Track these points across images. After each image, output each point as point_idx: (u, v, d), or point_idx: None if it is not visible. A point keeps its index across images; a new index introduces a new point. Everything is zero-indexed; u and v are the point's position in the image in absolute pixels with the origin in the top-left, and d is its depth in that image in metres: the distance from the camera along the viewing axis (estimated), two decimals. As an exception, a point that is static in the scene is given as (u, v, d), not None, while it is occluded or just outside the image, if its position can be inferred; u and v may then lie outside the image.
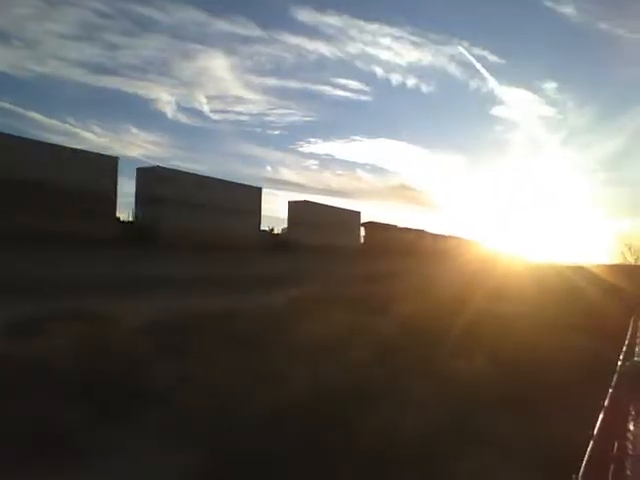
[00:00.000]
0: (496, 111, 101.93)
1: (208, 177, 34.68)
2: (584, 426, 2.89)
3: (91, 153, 25.50)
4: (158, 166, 31.09)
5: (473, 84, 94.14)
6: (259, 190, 39.84)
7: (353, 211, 51.72)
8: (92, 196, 24.21)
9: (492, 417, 4.37)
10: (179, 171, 32.99)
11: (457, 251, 59.42)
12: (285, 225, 43.36)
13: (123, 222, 29.05)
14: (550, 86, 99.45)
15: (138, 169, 30.80)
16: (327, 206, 47.77)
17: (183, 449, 3.68)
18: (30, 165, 21.65)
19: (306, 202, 44.08)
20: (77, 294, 11.90)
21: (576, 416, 3.56)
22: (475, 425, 4.17)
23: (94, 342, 6.10)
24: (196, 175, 34.13)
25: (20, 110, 73.56)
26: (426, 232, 62.57)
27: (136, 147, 73.29)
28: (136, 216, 29.85)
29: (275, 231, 43.54)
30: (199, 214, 31.51)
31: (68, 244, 20.49)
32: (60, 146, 24.25)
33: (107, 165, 25.61)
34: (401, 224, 56.93)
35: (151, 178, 30.00)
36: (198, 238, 30.10)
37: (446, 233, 66.02)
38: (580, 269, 40.95)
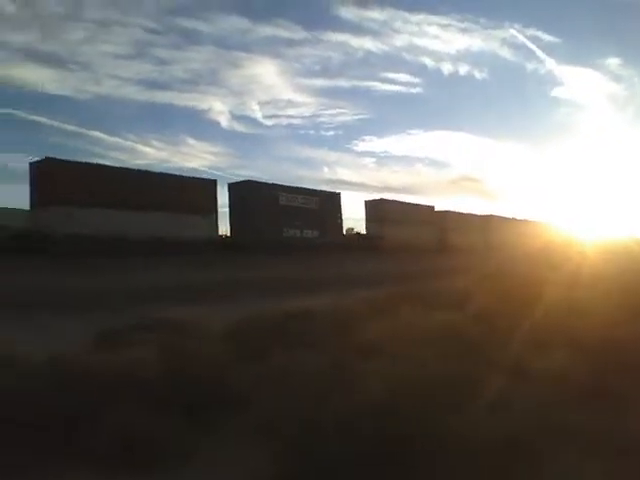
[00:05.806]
0: (557, 92, 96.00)
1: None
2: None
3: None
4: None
5: (530, 66, 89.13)
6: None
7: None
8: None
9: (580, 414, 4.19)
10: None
11: (529, 235, 56.96)
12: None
13: None
14: (613, 62, 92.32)
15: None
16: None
17: (270, 453, 3.81)
18: None
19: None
20: None
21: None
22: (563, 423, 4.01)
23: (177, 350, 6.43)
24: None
25: (84, 130, 78.39)
26: (494, 216, 60.51)
27: (194, 158, 75.93)
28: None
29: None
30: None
31: None
32: None
33: None
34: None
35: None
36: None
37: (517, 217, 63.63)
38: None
